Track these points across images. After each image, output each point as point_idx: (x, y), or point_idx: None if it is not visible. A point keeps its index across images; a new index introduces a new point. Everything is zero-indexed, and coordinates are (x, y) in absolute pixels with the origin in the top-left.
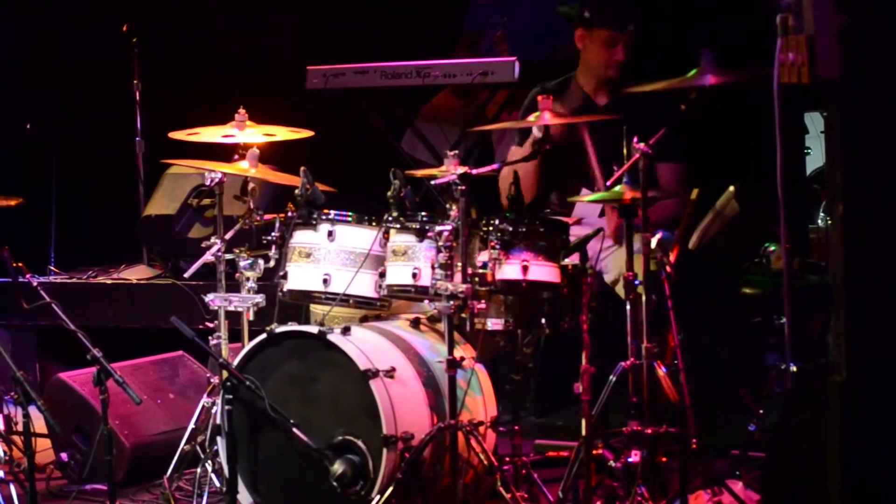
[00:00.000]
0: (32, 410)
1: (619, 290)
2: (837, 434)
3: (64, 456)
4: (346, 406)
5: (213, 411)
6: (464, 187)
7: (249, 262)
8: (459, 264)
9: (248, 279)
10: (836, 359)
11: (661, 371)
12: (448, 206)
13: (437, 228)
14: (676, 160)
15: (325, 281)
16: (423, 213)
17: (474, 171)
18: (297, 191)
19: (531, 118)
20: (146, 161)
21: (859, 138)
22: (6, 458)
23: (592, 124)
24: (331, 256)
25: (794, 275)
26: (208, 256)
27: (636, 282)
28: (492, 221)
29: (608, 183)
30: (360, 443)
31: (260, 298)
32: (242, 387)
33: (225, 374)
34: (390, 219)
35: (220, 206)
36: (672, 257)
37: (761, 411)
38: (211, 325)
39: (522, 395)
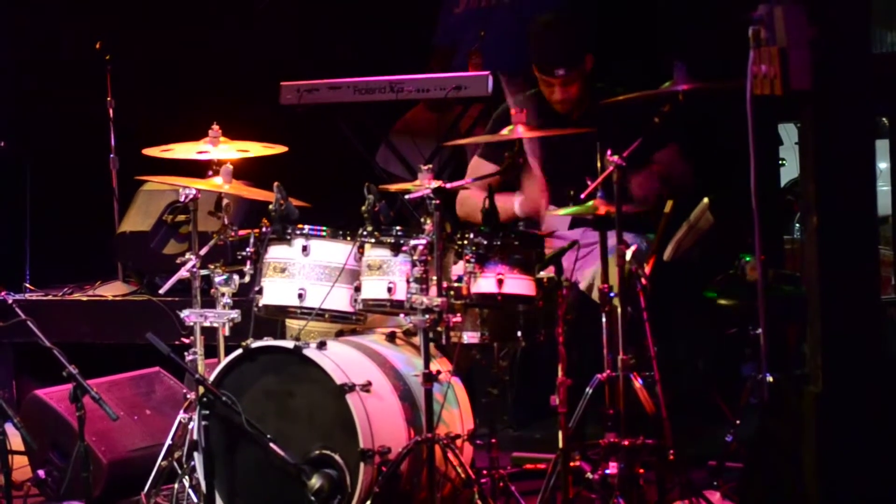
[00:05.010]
0: (9, 427)
1: (595, 295)
2: (813, 444)
3: (41, 473)
4: (323, 420)
5: (190, 427)
6: (438, 201)
7: (224, 277)
8: (434, 278)
9: (223, 295)
10: (812, 369)
11: (638, 383)
12: (422, 220)
13: (412, 242)
14: (669, 142)
15: (300, 296)
16: (398, 228)
17: (448, 186)
18: (271, 206)
19: (504, 131)
20: (120, 178)
21: (832, 149)
22: None
23: (563, 137)
24: (305, 271)
25: (769, 286)
26: (183, 272)
27: (611, 294)
28: (466, 235)
29: (582, 196)
30: (337, 457)
31: (235, 314)
32: (219, 402)
33: (201, 389)
34: (365, 233)
35: (195, 222)
36: (647, 269)
37: (738, 422)
38: (187, 340)
39: (499, 408)
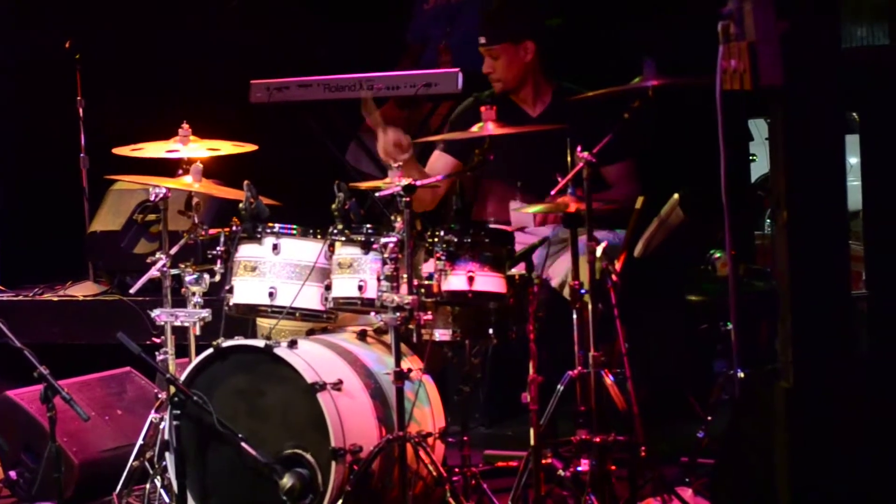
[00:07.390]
0: None
1: (567, 293)
2: (785, 440)
3: (12, 474)
4: (295, 419)
5: (161, 427)
6: (408, 199)
7: (195, 276)
8: (405, 276)
9: (193, 294)
10: (783, 365)
11: (609, 379)
12: (393, 217)
13: (383, 240)
14: (621, 159)
15: (270, 294)
16: (368, 226)
17: (418, 183)
18: (241, 205)
19: (475, 128)
20: (91, 177)
21: (802, 144)
22: None
23: (526, 134)
24: (276, 270)
25: (740, 281)
26: (154, 272)
27: (582, 290)
28: (437, 233)
29: (553, 192)
30: (308, 456)
31: (206, 313)
32: (190, 402)
33: (172, 389)
34: (335, 231)
35: (165, 221)
36: (618, 265)
37: (709, 418)
38: (157, 340)
39: (471, 406)
